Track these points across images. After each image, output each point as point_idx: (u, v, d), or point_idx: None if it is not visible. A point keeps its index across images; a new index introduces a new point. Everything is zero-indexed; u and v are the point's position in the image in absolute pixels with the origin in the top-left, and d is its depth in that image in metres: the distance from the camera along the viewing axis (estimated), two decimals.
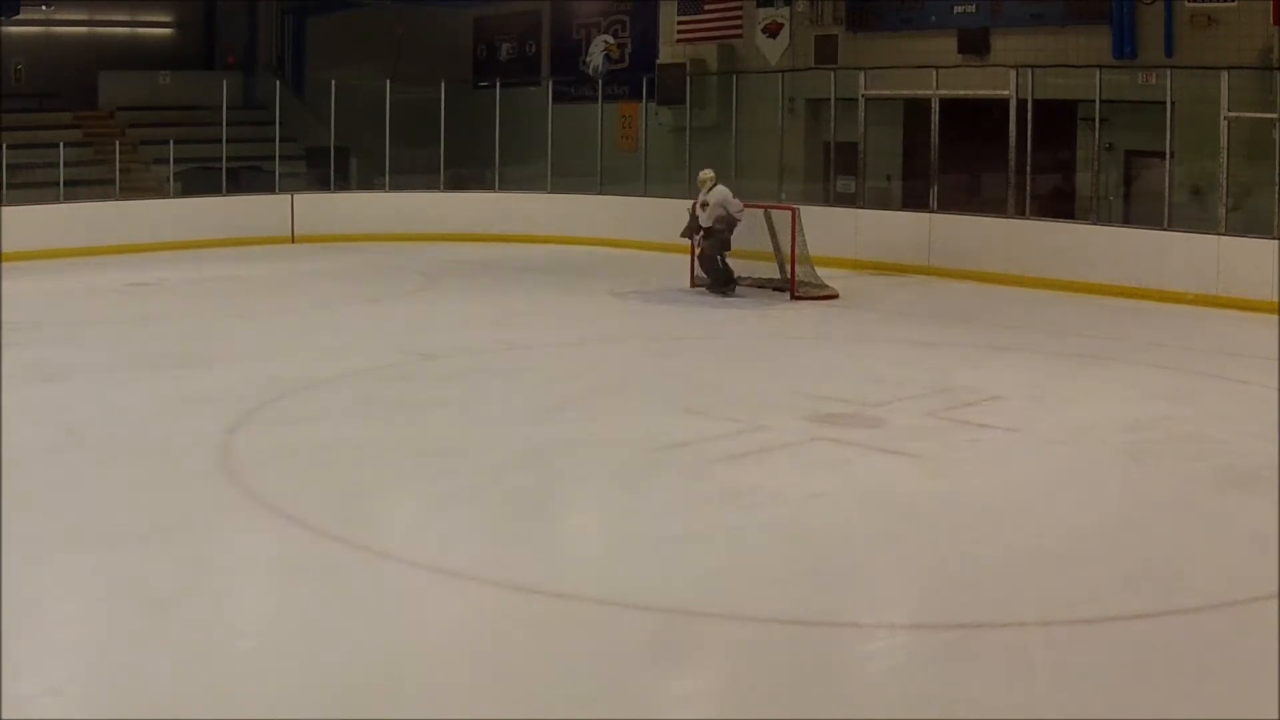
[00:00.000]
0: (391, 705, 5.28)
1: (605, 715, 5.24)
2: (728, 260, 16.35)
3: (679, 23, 24.03)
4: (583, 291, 16.76)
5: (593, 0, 26.27)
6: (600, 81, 24.66)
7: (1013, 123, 18.34)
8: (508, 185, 23.80)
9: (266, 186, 22.91)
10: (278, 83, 25.17)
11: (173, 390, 10.97)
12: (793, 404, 10.47)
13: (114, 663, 5.71)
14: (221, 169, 22.55)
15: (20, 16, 24.47)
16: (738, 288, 16.41)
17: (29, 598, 6.22)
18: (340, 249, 21.54)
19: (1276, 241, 15.53)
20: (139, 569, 6.76)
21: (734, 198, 16.28)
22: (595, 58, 26.08)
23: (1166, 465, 9.02)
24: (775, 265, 16.88)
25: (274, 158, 23.34)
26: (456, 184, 23.91)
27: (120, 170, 22.51)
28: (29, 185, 21.05)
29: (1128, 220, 18.31)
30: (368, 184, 24.15)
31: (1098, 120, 17.91)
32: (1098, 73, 17.77)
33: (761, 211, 17.21)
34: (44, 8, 25.70)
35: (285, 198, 22.65)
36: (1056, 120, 18.83)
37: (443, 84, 23.35)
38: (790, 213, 16.61)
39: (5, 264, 17.29)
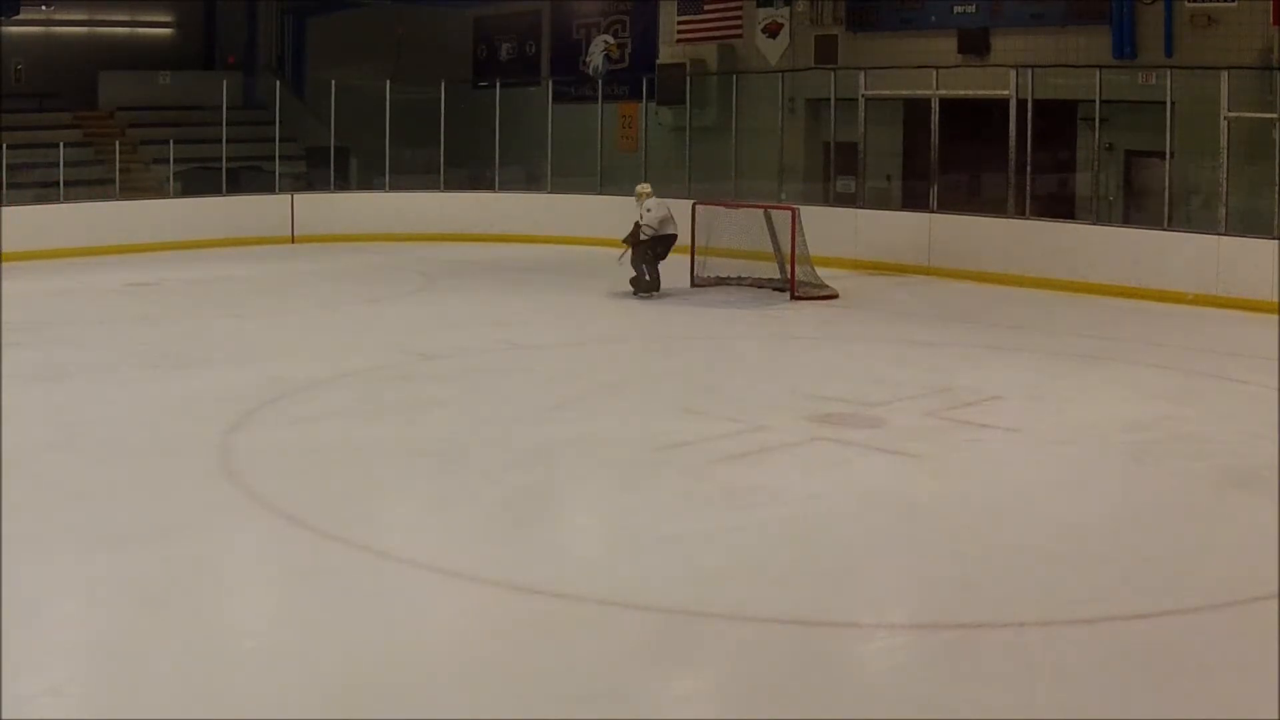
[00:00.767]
0: (391, 705, 5.28)
1: (605, 715, 5.24)
2: (652, 272, 16.32)
3: (679, 23, 24.03)
4: (583, 291, 16.75)
5: (593, 0, 26.27)
6: (600, 81, 24.66)
7: (1013, 123, 18.34)
8: (508, 185, 23.81)
9: (266, 186, 22.91)
10: (278, 83, 25.17)
11: (173, 390, 10.97)
12: (793, 404, 10.48)
13: (114, 663, 5.71)
14: (221, 169, 22.56)
15: (20, 16, 24.47)
16: (732, 289, 16.52)
17: (29, 598, 6.22)
18: (340, 249, 21.54)
19: (1276, 241, 15.53)
20: (139, 569, 6.76)
21: (658, 211, 16.31)
22: (595, 58, 26.08)
23: (1166, 465, 9.02)
24: (775, 265, 16.90)
25: (274, 158, 23.35)
26: (456, 184, 23.91)
27: (120, 170, 22.51)
28: (29, 185, 21.06)
29: (1128, 220, 18.32)
30: (368, 184, 24.15)
31: (1098, 120, 17.91)
32: (1098, 73, 17.77)
33: (761, 211, 17.23)
34: (44, 8, 25.70)
35: (285, 198, 22.65)
36: (1056, 120, 18.83)
37: (443, 84, 23.35)
38: (790, 213, 16.62)
39: (5, 264, 17.29)
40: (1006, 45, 19.72)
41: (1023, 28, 19.63)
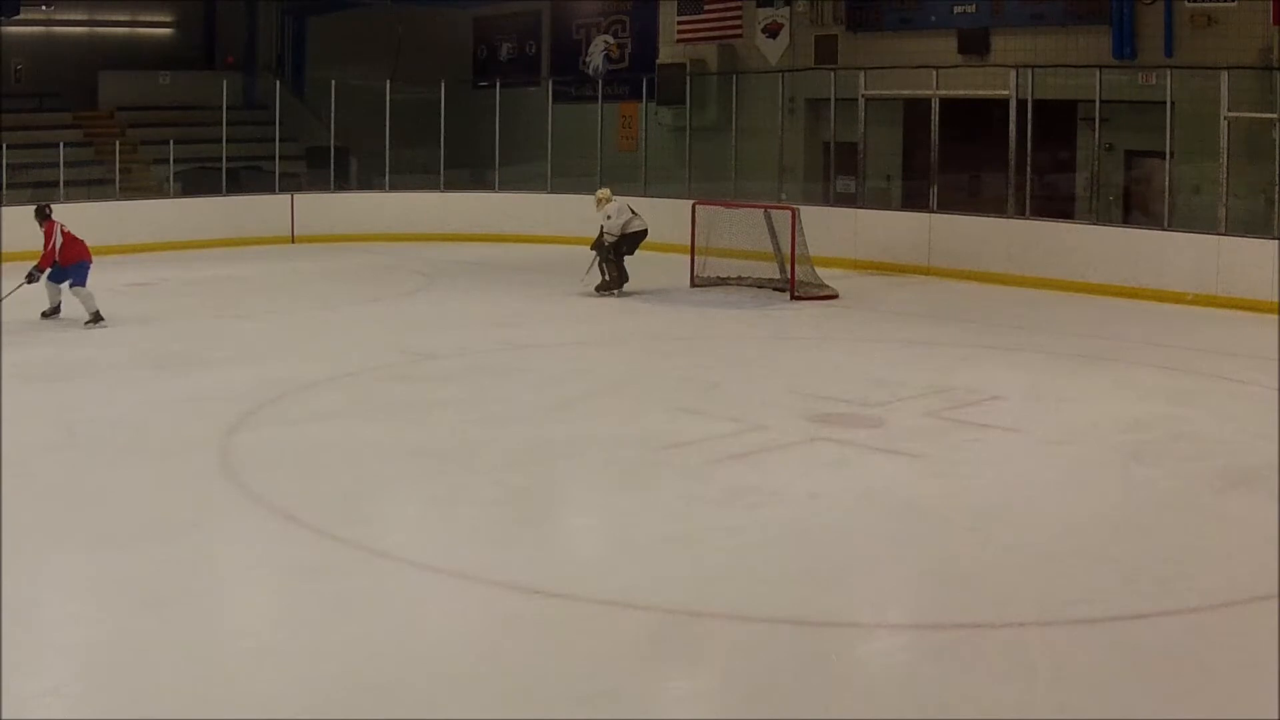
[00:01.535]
0: (391, 705, 5.28)
1: (605, 715, 5.24)
2: (613, 271, 16.38)
3: (679, 23, 24.03)
4: (582, 292, 16.73)
5: (593, 0, 26.27)
6: (600, 81, 24.66)
7: (1013, 123, 18.35)
8: (508, 185, 23.81)
9: (266, 186, 22.91)
10: (278, 83, 25.19)
11: (173, 390, 10.98)
12: (792, 404, 10.48)
13: (114, 663, 5.71)
14: (221, 169, 22.56)
15: (20, 16, 24.45)
16: (732, 289, 16.59)
17: (29, 598, 6.23)
18: (340, 249, 21.54)
19: (1276, 241, 15.53)
20: (139, 569, 6.76)
21: (619, 216, 16.36)
22: (595, 58, 26.08)
23: (1166, 465, 9.02)
24: (775, 265, 16.91)
25: (274, 158, 23.35)
26: (456, 184, 23.91)
27: (120, 170, 22.52)
28: (29, 185, 21.04)
29: (1128, 220, 18.32)
30: (368, 184, 24.16)
31: (1098, 120, 17.91)
32: (1098, 73, 17.77)
33: (761, 211, 17.24)
34: (44, 8, 25.70)
35: (285, 198, 22.65)
36: (1056, 120, 18.82)
37: (443, 84, 23.34)
38: (790, 213, 16.62)
39: (5, 264, 17.26)
40: (1006, 45, 19.71)
41: (1023, 28, 19.62)
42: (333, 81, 23.44)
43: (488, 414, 10.28)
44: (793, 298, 16.26)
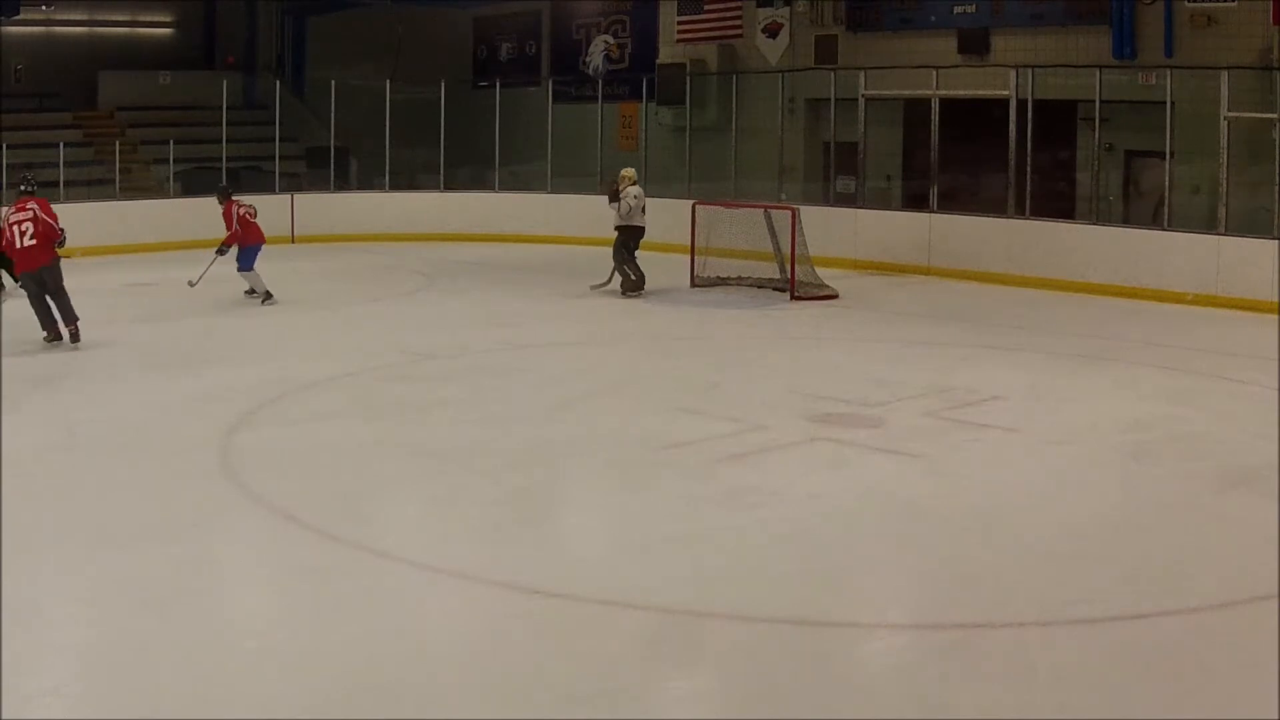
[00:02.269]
0: (391, 705, 5.28)
1: (605, 715, 5.24)
2: (636, 270, 16.36)
3: (679, 23, 24.02)
4: (582, 291, 16.74)
5: (593, 0, 26.27)
6: (600, 81, 24.66)
7: (1013, 123, 18.35)
8: (508, 185, 23.81)
9: (266, 186, 22.89)
10: (278, 83, 25.18)
11: (173, 390, 10.97)
12: (792, 404, 10.48)
13: (114, 663, 5.71)
14: (221, 169, 22.53)
15: (20, 16, 24.46)
16: (732, 289, 16.55)
17: (29, 598, 6.23)
18: (340, 249, 21.54)
19: (1276, 241, 15.53)
20: (139, 569, 6.76)
21: (638, 202, 16.36)
22: (595, 58, 26.08)
23: (1166, 465, 9.02)
24: (775, 265, 16.90)
25: (274, 158, 23.35)
26: (456, 184, 23.91)
27: (120, 170, 22.52)
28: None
29: (1128, 220, 18.32)
30: (368, 184, 24.16)
31: (1098, 120, 17.91)
32: (1098, 73, 17.77)
33: (761, 211, 17.23)
34: (44, 8, 25.69)
35: (285, 198, 22.63)
36: (1056, 120, 18.82)
37: (443, 84, 23.35)
38: (790, 213, 16.62)
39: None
40: (1006, 45, 19.71)
41: (1023, 28, 19.62)
42: (333, 81, 23.45)
43: (488, 414, 10.28)
44: (793, 298, 16.26)
